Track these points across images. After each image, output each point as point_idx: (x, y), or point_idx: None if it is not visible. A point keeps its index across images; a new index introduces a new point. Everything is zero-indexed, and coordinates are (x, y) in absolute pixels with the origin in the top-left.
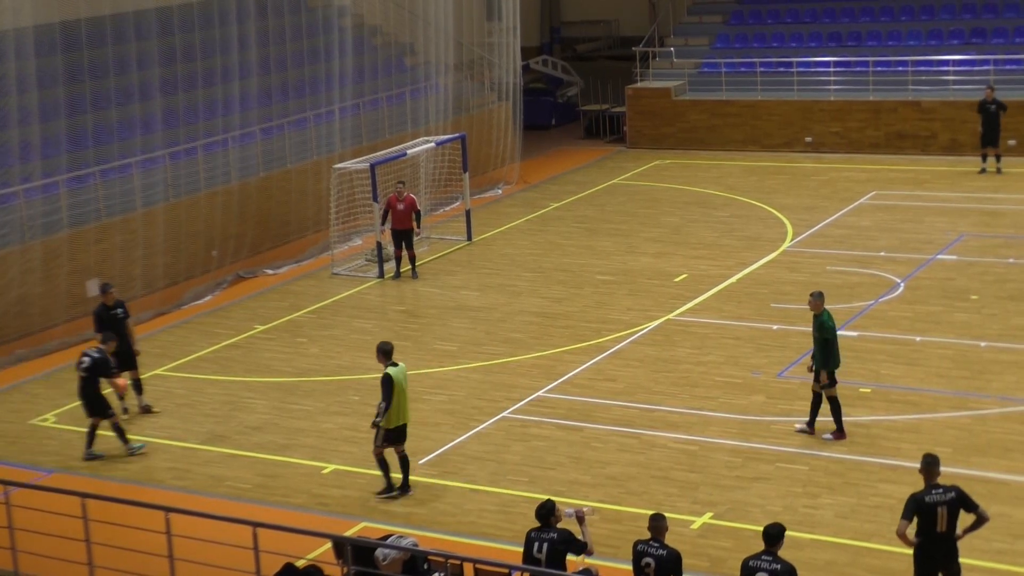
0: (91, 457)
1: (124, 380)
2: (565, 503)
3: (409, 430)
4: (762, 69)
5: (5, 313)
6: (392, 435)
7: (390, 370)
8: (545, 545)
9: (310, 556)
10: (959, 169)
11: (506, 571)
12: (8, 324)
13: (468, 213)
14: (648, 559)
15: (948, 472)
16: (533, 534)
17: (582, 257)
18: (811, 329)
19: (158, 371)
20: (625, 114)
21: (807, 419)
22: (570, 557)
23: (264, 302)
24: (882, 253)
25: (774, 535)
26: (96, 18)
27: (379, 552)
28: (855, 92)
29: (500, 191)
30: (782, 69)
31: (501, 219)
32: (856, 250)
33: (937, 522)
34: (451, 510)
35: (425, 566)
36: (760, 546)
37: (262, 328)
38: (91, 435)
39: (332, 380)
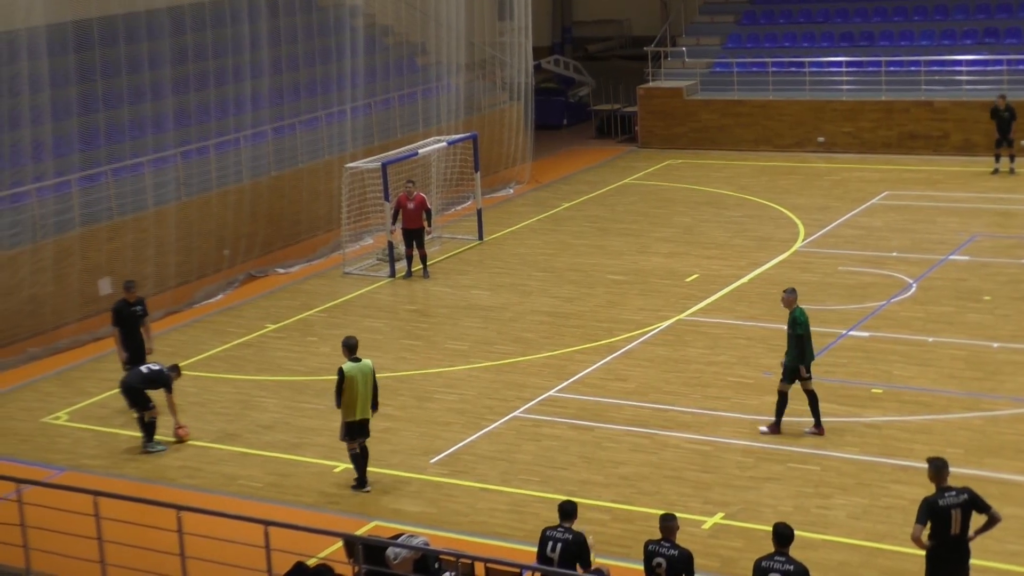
0: (151, 450)
1: (186, 431)
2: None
3: (419, 430)
4: (774, 69)
5: (18, 312)
6: (354, 428)
7: (344, 365)
8: (559, 545)
9: (321, 555)
10: (972, 169)
11: (517, 571)
12: (20, 323)
13: (479, 212)
14: (660, 559)
15: (961, 473)
16: (549, 532)
17: (594, 257)
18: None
19: None
20: (637, 114)
21: (813, 421)
22: None
23: (275, 301)
24: (894, 253)
25: (787, 535)
26: (108, 17)
27: (390, 551)
28: (867, 92)
29: (512, 190)
30: (794, 69)
31: (513, 218)
32: (868, 250)
33: (951, 525)
34: (462, 509)
35: (436, 565)
36: (771, 547)
37: (273, 327)
38: (146, 428)
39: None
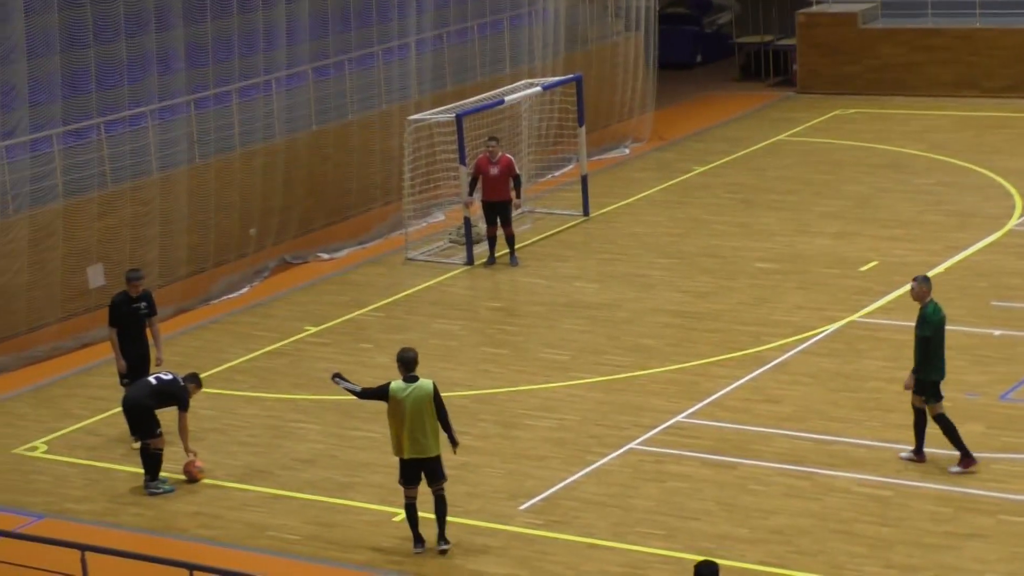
0: (155, 491)
1: (198, 465)
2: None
3: (505, 466)
4: None
5: None
6: (407, 470)
7: (393, 383)
8: None
9: None
10: None
11: None
12: None
13: (584, 179)
14: None
15: None
16: None
17: (736, 238)
18: None
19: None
20: (795, 48)
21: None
22: None
23: (317, 296)
24: None
25: None
26: None
27: None
28: None
29: (627, 150)
30: None
31: (628, 187)
32: None
33: None
34: (563, 572)
35: None
36: None
37: (314, 330)
38: (150, 460)
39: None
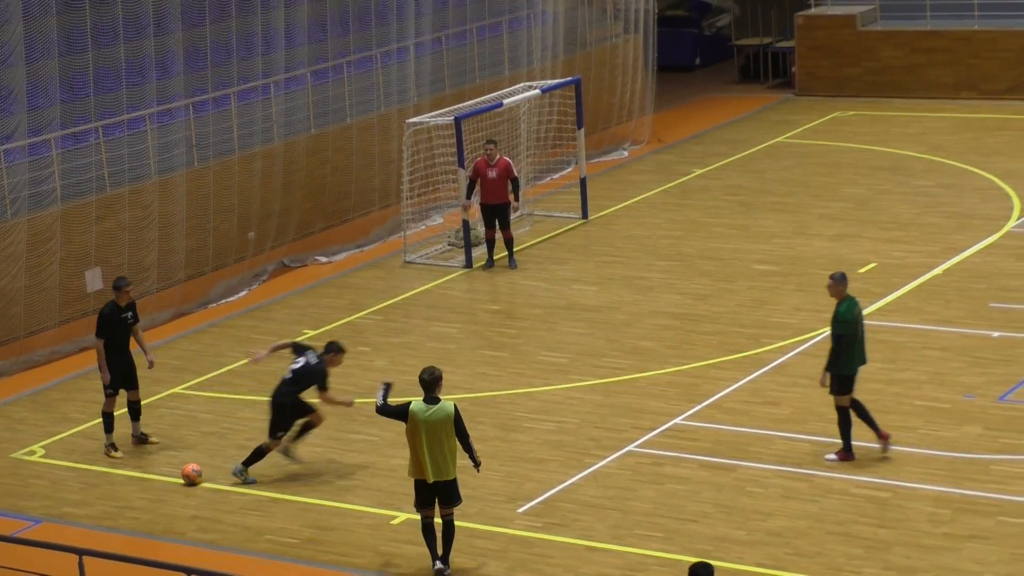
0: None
1: (350, 399)
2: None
3: (504, 469)
4: None
5: None
6: (423, 492)
7: (414, 404)
8: None
9: None
10: None
11: None
12: None
13: (583, 182)
14: None
15: None
16: None
17: (734, 240)
18: None
19: (177, 389)
20: (794, 50)
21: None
22: None
23: (315, 299)
24: None
25: None
26: None
27: None
28: None
29: (626, 152)
30: None
31: (627, 190)
32: None
33: None
34: (561, 574)
35: None
36: None
37: (313, 333)
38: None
39: (404, 402)
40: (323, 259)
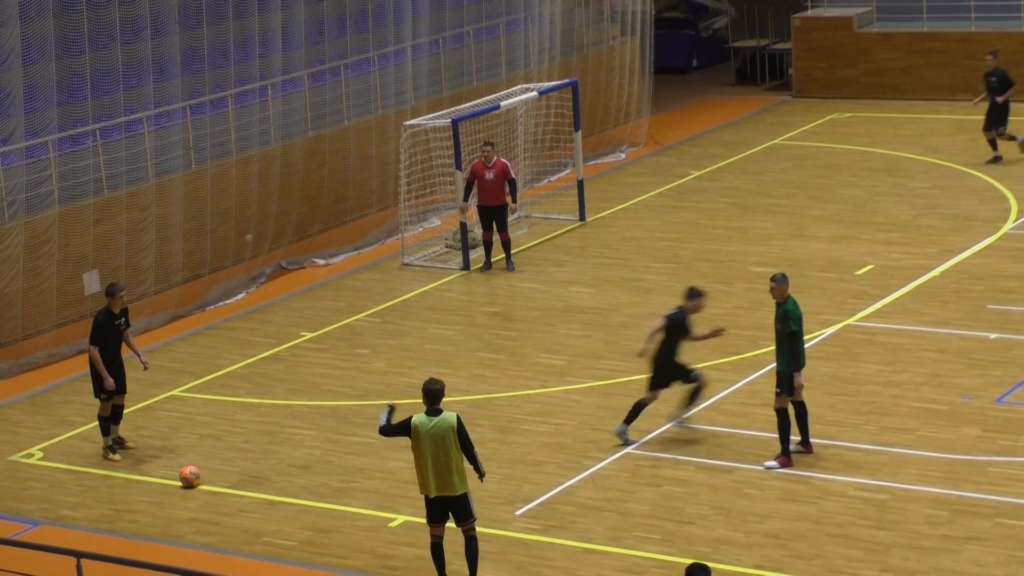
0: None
1: (718, 327)
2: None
3: (502, 471)
4: None
5: None
6: (432, 508)
7: (416, 417)
8: None
9: None
10: None
11: None
12: None
13: (581, 184)
14: None
15: None
16: None
17: (732, 242)
18: None
19: (175, 391)
20: (791, 52)
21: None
22: None
23: (313, 302)
24: None
25: None
26: None
27: None
28: None
29: (623, 155)
30: None
31: (624, 192)
32: None
33: None
34: None
35: None
36: None
37: (310, 336)
38: (635, 411)
39: (402, 404)
40: (321, 261)
